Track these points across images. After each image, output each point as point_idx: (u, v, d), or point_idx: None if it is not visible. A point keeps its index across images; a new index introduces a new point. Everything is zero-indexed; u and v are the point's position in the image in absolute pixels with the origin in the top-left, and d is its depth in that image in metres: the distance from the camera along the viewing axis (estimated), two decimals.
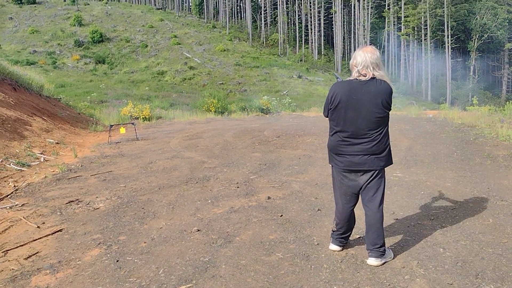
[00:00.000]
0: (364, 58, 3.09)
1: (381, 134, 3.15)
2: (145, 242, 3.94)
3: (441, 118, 15.60)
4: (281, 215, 4.55)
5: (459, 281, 2.95)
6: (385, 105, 3.12)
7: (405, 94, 48.29)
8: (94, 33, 54.23)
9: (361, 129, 3.13)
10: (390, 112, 3.21)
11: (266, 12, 72.34)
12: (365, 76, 3.09)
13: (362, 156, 3.16)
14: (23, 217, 4.85)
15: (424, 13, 53.35)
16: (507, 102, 14.81)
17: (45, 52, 49.63)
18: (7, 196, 5.85)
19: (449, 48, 51.62)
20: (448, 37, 51.40)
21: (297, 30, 68.44)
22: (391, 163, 3.30)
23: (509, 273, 3.06)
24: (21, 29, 57.19)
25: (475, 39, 53.63)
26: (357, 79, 3.12)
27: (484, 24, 52.01)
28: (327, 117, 3.32)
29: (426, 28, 53.62)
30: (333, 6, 64.49)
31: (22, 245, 3.99)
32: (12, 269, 3.48)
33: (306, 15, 68.78)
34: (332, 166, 3.41)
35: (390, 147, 3.26)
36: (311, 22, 67.48)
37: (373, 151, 3.14)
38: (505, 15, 52.33)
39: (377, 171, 3.20)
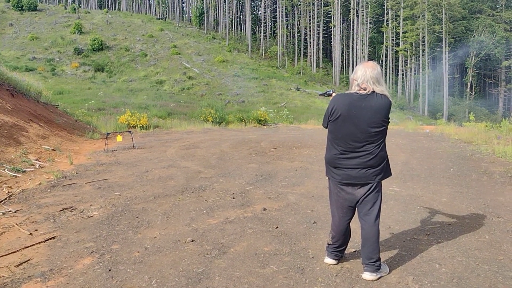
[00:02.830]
0: (364, 73, 3.10)
1: (379, 148, 3.14)
2: (138, 252, 3.90)
3: (438, 133, 15.66)
4: (277, 227, 4.52)
5: None
6: (384, 119, 3.12)
7: (402, 109, 48.50)
8: (94, 41, 54.38)
9: (359, 143, 3.13)
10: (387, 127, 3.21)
11: (266, 25, 72.82)
12: (365, 90, 3.09)
13: (360, 169, 3.15)
14: (16, 224, 4.80)
15: (422, 29, 53.84)
16: (504, 119, 14.90)
17: (44, 59, 49.67)
18: (1, 202, 5.80)
19: (447, 65, 52.00)
20: (445, 54, 51.82)
21: (296, 43, 68.87)
22: (390, 175, 3.29)
23: None
24: (21, 36, 57.29)
25: (472, 56, 54.07)
26: (357, 93, 3.12)
27: (482, 42, 52.49)
28: (327, 127, 3.32)
29: (424, 44, 54.08)
30: (332, 20, 65.00)
31: (13, 252, 3.94)
32: (3, 276, 3.42)
33: (305, 28, 69.28)
34: (329, 178, 3.40)
35: (388, 160, 3.25)
36: (310, 35, 67.96)
37: (370, 165, 3.14)
38: (502, 33, 52.87)
39: (375, 185, 3.19)
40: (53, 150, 10.21)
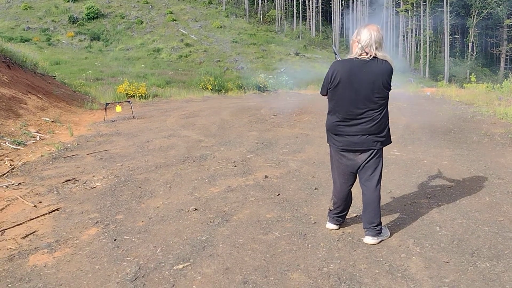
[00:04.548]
0: (369, 36, 3.00)
1: (380, 114, 3.10)
2: (142, 221, 3.94)
3: (439, 95, 15.57)
4: (278, 194, 4.56)
5: (455, 259, 2.97)
6: (386, 85, 3.06)
7: (403, 71, 47.98)
8: (89, 9, 53.25)
9: (360, 109, 3.08)
10: None
11: None
12: (367, 55, 3.03)
13: (361, 136, 3.13)
14: (20, 196, 4.84)
15: None
16: (505, 79, 14.75)
17: (39, 28, 48.78)
18: (4, 175, 5.83)
19: (448, 25, 51.06)
20: (447, 13, 50.79)
21: (294, 6, 67.45)
22: (390, 143, 3.27)
23: (504, 251, 3.08)
24: (14, 5, 56.04)
25: (474, 16, 53.04)
26: (358, 58, 3.05)
27: (484, 0, 51.35)
28: (325, 95, 3.28)
29: (425, 4, 52.92)
30: None
31: (19, 224, 4.00)
32: (10, 248, 3.48)
33: None
34: (330, 145, 3.39)
35: (389, 127, 3.23)
36: None
37: (372, 131, 3.11)
38: None
39: (376, 151, 3.18)
40: (52, 121, 10.19)
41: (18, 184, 5.40)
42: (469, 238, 3.31)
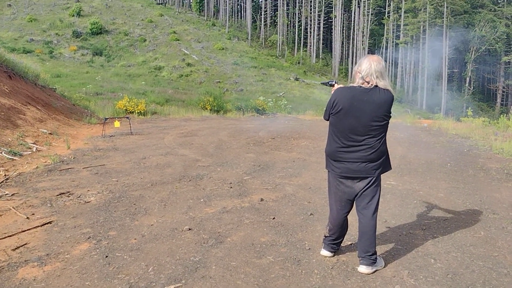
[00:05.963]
0: (369, 66, 3.08)
1: (380, 142, 3.15)
2: (135, 239, 3.90)
3: (436, 127, 15.68)
4: (274, 218, 4.53)
5: None
6: (386, 114, 3.12)
7: (400, 102, 48.44)
8: (93, 25, 53.87)
9: (361, 136, 3.12)
10: None
11: (266, 13, 72.27)
12: (369, 84, 3.08)
13: (361, 163, 3.15)
14: (13, 207, 4.79)
15: (424, 22, 53.59)
16: (501, 115, 14.92)
17: (42, 41, 49.16)
18: None
19: (446, 59, 51.84)
20: (446, 47, 51.63)
21: (296, 32, 68.45)
22: (390, 169, 3.30)
23: (499, 287, 3.06)
24: (19, 17, 56.65)
25: (472, 51, 53.93)
26: (360, 87, 3.11)
27: (483, 37, 52.32)
28: (328, 120, 3.32)
29: (425, 37, 53.86)
30: (333, 11, 64.57)
31: (10, 236, 3.94)
32: None
33: (306, 18, 68.83)
34: (328, 171, 3.40)
35: (388, 154, 3.26)
36: (310, 25, 67.54)
37: (371, 159, 3.14)
38: (504, 28, 52.69)
39: (374, 179, 3.19)
40: (50, 134, 10.17)
41: (11, 195, 5.35)
42: (463, 272, 3.29)
